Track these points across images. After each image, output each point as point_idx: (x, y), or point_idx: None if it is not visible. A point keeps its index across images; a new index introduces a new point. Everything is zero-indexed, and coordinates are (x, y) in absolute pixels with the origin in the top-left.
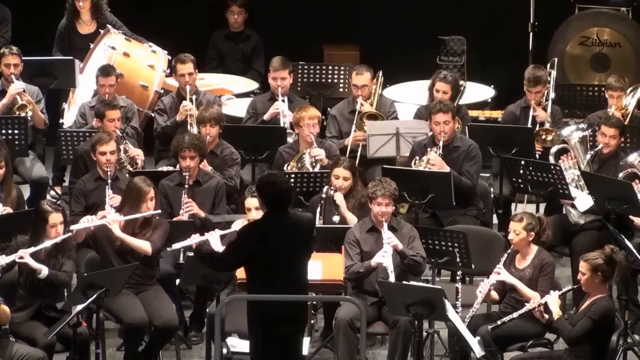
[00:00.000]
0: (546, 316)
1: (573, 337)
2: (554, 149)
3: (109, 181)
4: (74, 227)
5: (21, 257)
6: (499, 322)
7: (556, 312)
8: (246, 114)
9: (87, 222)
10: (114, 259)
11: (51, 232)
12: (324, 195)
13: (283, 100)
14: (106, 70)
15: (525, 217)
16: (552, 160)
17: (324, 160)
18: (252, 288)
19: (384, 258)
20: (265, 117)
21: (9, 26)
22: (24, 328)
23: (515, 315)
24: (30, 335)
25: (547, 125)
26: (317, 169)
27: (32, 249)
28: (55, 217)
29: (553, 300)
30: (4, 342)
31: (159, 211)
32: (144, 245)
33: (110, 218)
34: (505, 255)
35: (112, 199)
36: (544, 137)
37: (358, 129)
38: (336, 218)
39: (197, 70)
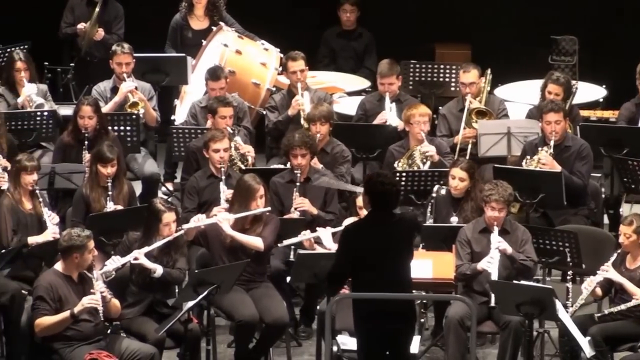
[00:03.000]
0: None
1: None
2: None
3: (224, 178)
4: (185, 227)
5: (136, 258)
6: (605, 312)
7: None
8: (355, 115)
9: (198, 221)
10: (224, 256)
11: (164, 230)
12: (434, 195)
13: (390, 108)
14: (215, 74)
15: (635, 219)
16: None
17: (434, 157)
18: (355, 286)
19: (489, 265)
20: (375, 122)
21: (121, 23)
22: (135, 324)
23: (622, 307)
24: (141, 331)
25: None
26: (427, 166)
27: (146, 249)
28: (169, 216)
29: None
30: (116, 337)
31: (269, 208)
32: (256, 242)
33: (221, 217)
34: (615, 255)
35: (229, 196)
36: None
37: (467, 126)
38: (454, 219)
39: (307, 67)
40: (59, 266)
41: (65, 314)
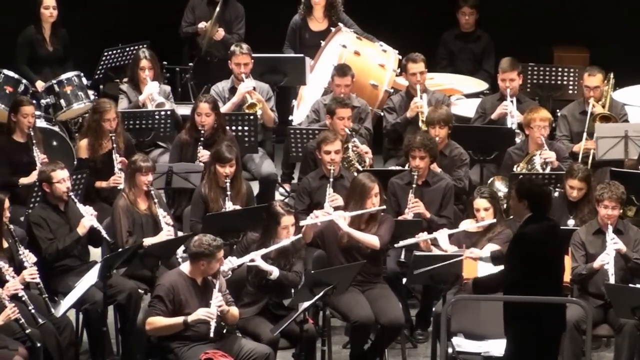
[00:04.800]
0: None
1: None
2: None
3: (331, 180)
4: (302, 223)
5: (252, 260)
6: None
7: None
8: (475, 113)
9: (314, 217)
10: (340, 256)
11: (282, 233)
12: None
13: (512, 101)
14: (342, 70)
15: None
16: None
17: (554, 164)
18: (524, 289)
19: (605, 261)
20: (493, 116)
21: (242, 23)
22: (250, 324)
23: None
24: (256, 331)
25: None
26: (547, 171)
27: (263, 251)
28: (287, 220)
29: None
30: (232, 337)
31: (384, 207)
32: (372, 240)
33: (336, 214)
34: None
35: (332, 198)
36: None
37: (589, 135)
38: (571, 222)
39: (427, 70)
40: (185, 267)
41: (179, 320)
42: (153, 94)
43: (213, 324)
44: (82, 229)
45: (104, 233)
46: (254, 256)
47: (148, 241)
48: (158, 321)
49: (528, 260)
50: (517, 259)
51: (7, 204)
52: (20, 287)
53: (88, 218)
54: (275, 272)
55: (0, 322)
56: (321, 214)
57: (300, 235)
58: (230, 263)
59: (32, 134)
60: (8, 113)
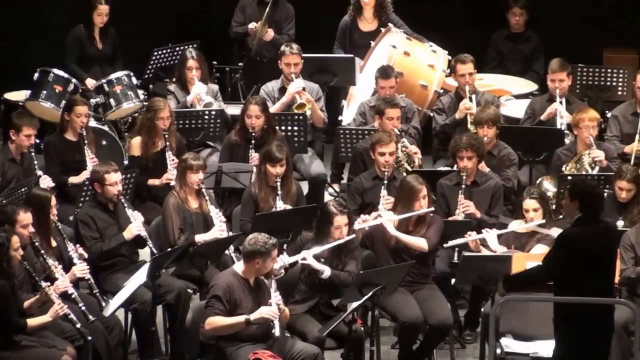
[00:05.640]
0: None
1: None
2: None
3: (385, 182)
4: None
5: (304, 259)
6: None
7: None
8: (524, 114)
9: (362, 222)
10: (389, 257)
11: (335, 233)
12: None
13: (561, 102)
14: (386, 72)
15: None
16: None
17: (603, 162)
18: (566, 289)
19: None
20: (542, 117)
21: (292, 23)
22: (298, 322)
23: None
24: (303, 329)
25: None
26: (595, 171)
27: (315, 250)
28: (340, 220)
29: None
30: (281, 337)
31: (432, 209)
32: (419, 243)
33: (385, 217)
34: None
35: (387, 200)
36: None
37: None
38: (620, 223)
39: (476, 71)
40: (238, 267)
41: (240, 319)
42: (201, 94)
43: (277, 323)
44: (128, 234)
45: (150, 244)
46: (306, 255)
47: (199, 237)
48: (218, 321)
49: (567, 260)
50: (557, 256)
51: (53, 201)
52: (70, 285)
53: (136, 225)
54: (327, 271)
55: (49, 317)
56: (370, 218)
57: (353, 236)
58: (282, 261)
59: (84, 133)
60: (62, 112)
